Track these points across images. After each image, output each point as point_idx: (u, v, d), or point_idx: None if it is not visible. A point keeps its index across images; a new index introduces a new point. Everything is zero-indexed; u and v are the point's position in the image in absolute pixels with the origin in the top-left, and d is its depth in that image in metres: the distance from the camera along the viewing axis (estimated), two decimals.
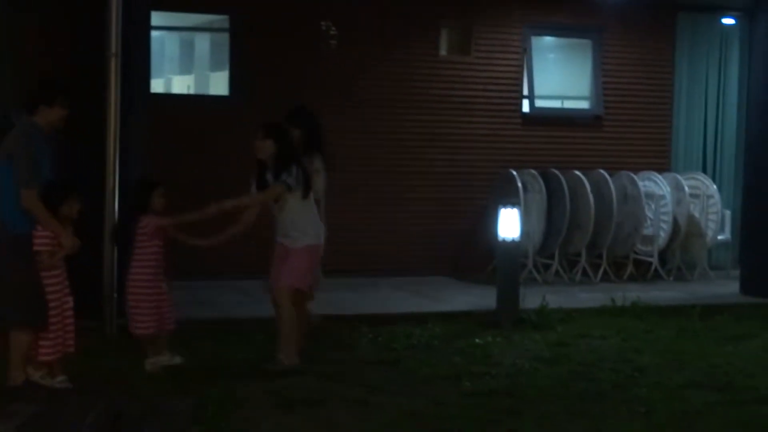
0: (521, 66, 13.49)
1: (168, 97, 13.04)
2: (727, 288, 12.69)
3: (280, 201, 8.13)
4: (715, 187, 13.62)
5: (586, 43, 13.97)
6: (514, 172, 12.55)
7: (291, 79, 11.88)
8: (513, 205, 10.55)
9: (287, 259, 8.25)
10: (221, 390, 7.53)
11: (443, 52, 13.02)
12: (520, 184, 12.37)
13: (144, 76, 10.23)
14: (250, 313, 9.60)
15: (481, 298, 10.85)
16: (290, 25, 12.13)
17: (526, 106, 13.63)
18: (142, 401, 7.09)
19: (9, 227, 6.96)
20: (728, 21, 14.41)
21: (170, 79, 14.12)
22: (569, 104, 14.10)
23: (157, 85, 12.30)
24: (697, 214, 13.40)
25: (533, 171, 12.78)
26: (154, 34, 11.40)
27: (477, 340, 9.53)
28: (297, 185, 8.12)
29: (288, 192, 8.08)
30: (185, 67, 14.44)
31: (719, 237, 13.66)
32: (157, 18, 11.17)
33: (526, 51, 13.51)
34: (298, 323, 8.33)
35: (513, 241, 10.37)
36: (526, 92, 13.58)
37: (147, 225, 7.84)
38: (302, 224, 8.24)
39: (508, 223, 10.36)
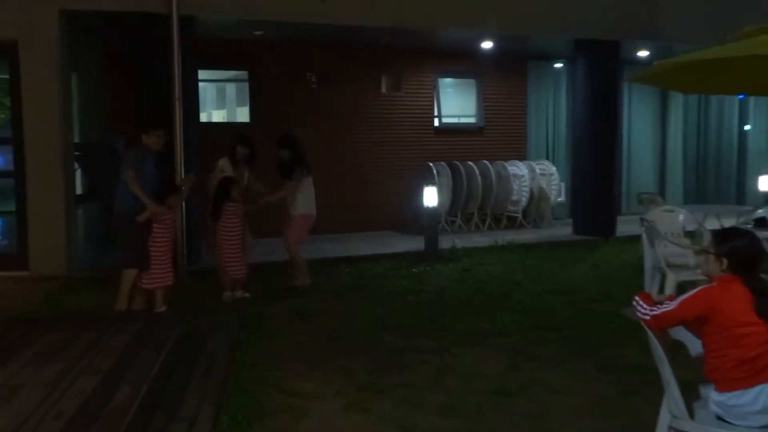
0: (433, 97, 13.50)
1: (210, 124, 12.91)
2: (564, 231, 12.85)
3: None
4: (554, 168, 13.77)
5: (472, 82, 14.00)
6: (431, 164, 12.60)
7: (288, 109, 11.83)
8: (431, 184, 10.64)
9: (292, 222, 8.28)
10: (258, 308, 7.57)
11: (384, 89, 12.97)
12: (435, 171, 12.45)
13: (195, 111, 10.16)
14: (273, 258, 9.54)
15: (414, 243, 10.94)
16: (287, 75, 12.07)
17: (436, 123, 13.63)
18: (207, 318, 7.12)
19: (124, 203, 7.10)
20: (558, 65, 14.50)
21: (211, 113, 13.96)
22: (463, 120, 14.11)
23: (203, 117, 12.15)
24: (544, 186, 13.52)
25: (443, 163, 12.84)
26: (201, 84, 11.29)
27: (414, 270, 9.62)
28: (303, 177, 8.19)
29: (299, 182, 8.15)
30: (220, 104, 14.27)
31: (558, 199, 13.83)
32: (201, 74, 11.04)
33: (435, 88, 13.51)
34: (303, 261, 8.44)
35: (432, 207, 10.47)
36: (436, 113, 13.58)
37: (235, 208, 7.80)
38: (302, 201, 8.27)
39: (429, 196, 10.46)
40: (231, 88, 13.62)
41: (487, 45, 12.47)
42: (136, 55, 10.01)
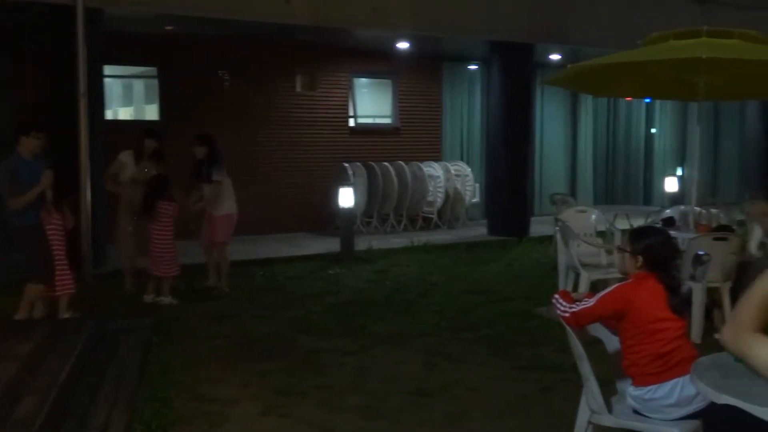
0: (348, 97, 13.50)
1: (117, 122, 12.55)
2: (479, 231, 13.01)
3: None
4: (469, 169, 13.93)
5: (388, 82, 14.06)
6: (347, 164, 12.60)
7: (200, 107, 11.59)
8: (347, 185, 10.65)
9: (216, 224, 8.18)
10: (171, 312, 7.42)
11: (298, 88, 12.89)
12: (350, 172, 12.44)
13: (100, 108, 9.85)
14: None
15: (330, 245, 10.90)
16: (198, 72, 11.84)
17: (352, 123, 13.63)
18: (118, 323, 6.91)
19: (13, 222, 6.48)
20: (473, 67, 14.72)
21: (117, 110, 13.55)
22: (379, 121, 14.16)
23: (109, 114, 11.78)
24: (459, 187, 13.67)
25: (358, 163, 12.84)
26: (107, 80, 10.97)
27: (330, 272, 9.61)
28: (224, 177, 8.11)
29: (222, 183, 8.08)
30: (128, 101, 13.88)
31: (473, 200, 13.99)
32: (108, 69, 10.73)
33: (351, 87, 13.52)
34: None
35: (348, 208, 10.49)
36: (352, 113, 13.58)
37: (172, 208, 7.63)
38: (225, 201, 8.21)
39: (345, 197, 10.48)
40: (139, 85, 13.26)
41: (402, 45, 12.56)
42: (39, 49, 9.65)
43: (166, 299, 7.72)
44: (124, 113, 13.85)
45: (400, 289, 8.66)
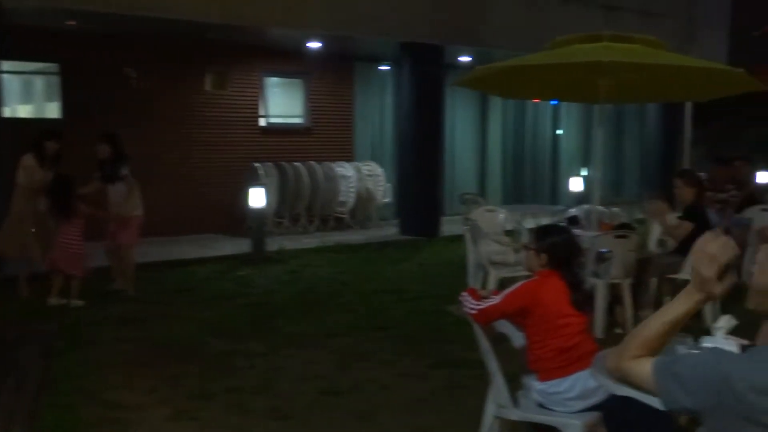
0: (259, 96, 13.38)
1: (15, 120, 12.08)
2: (391, 231, 13.08)
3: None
4: (381, 169, 13.95)
5: (299, 82, 13.98)
6: (258, 164, 12.48)
7: (105, 106, 11.27)
8: (258, 185, 10.56)
9: (125, 225, 8.00)
10: (76, 315, 7.22)
11: (208, 87, 12.68)
12: (262, 172, 12.33)
13: None
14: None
15: (241, 245, 10.76)
16: (102, 69, 11.49)
17: (263, 122, 13.52)
18: (18, 328, 6.68)
19: None
20: (385, 67, 14.82)
21: (16, 108, 13.03)
22: (290, 120, 14.06)
23: (6, 112, 11.31)
24: (371, 187, 13.69)
25: (270, 163, 12.72)
26: (5, 76, 10.55)
27: (241, 273, 9.51)
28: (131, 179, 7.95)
29: (133, 185, 7.93)
30: (27, 98, 13.37)
31: (385, 200, 14.03)
32: (5, 65, 10.33)
33: (262, 87, 13.41)
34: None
35: (259, 209, 10.40)
36: (263, 113, 13.47)
37: (82, 210, 7.48)
38: (134, 202, 8.04)
39: (256, 197, 10.38)
40: (40, 82, 12.79)
41: (314, 45, 12.53)
42: None
43: (78, 302, 7.52)
44: (24, 111, 13.34)
45: (311, 289, 8.64)
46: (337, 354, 6.08)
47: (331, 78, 14.23)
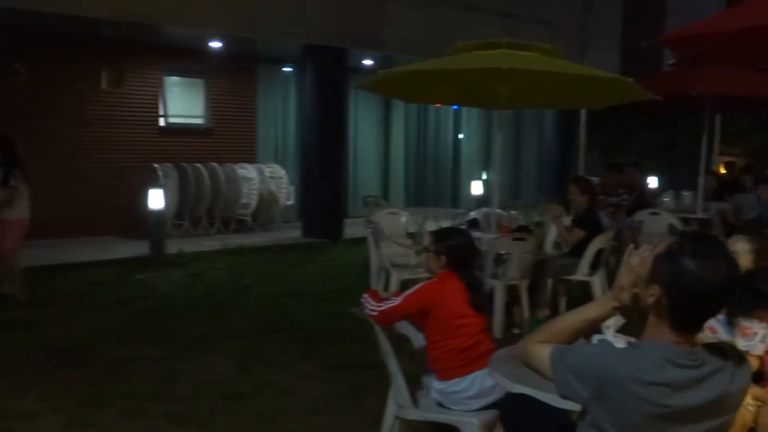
0: (158, 95, 13.10)
1: None
2: (294, 233, 13.02)
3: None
4: (284, 171, 13.90)
5: (200, 82, 13.76)
6: (157, 165, 12.21)
7: None
8: (156, 186, 10.34)
9: (7, 229, 7.67)
10: None
11: (104, 85, 12.29)
12: (161, 173, 12.07)
13: None
14: None
15: (139, 248, 10.48)
16: None
17: (162, 122, 13.23)
18: None
19: None
20: (288, 69, 14.75)
21: None
22: (191, 121, 13.82)
23: None
24: (273, 189, 13.62)
25: (169, 164, 12.46)
26: None
27: (138, 276, 9.27)
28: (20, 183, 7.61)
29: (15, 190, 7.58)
30: None
31: (288, 202, 13.98)
32: None
33: (161, 86, 13.13)
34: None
35: (158, 210, 10.19)
36: (162, 113, 13.19)
37: None
38: (19, 205, 7.71)
39: (154, 199, 10.17)
40: None
41: (215, 45, 12.36)
42: None
43: None
44: None
45: (212, 292, 8.52)
46: (238, 357, 6.02)
47: (233, 78, 14.08)
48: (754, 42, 5.73)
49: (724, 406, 2.21)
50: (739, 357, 2.30)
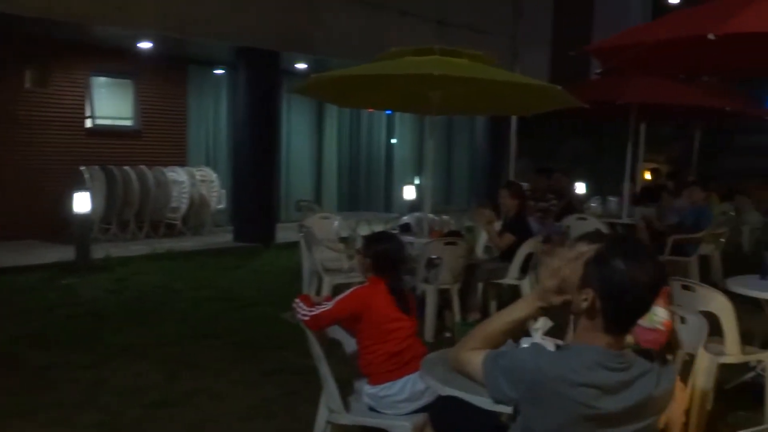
0: (85, 96, 12.80)
1: None
2: (225, 238, 12.87)
3: None
4: (215, 175, 13.74)
5: (129, 83, 13.50)
6: (83, 168, 11.93)
7: None
8: (83, 189, 10.11)
9: None
10: None
11: (27, 84, 11.95)
12: (87, 176, 11.79)
13: None
14: None
15: (64, 253, 10.18)
16: None
17: (89, 124, 12.93)
18: None
19: None
20: (219, 71, 14.60)
21: None
22: (119, 122, 13.54)
23: None
24: (204, 193, 13.43)
25: (96, 167, 12.18)
26: None
27: (63, 281, 9.06)
28: None
29: None
30: None
31: (219, 206, 13.82)
32: None
33: (88, 86, 12.84)
34: None
35: (84, 214, 9.93)
36: (89, 114, 12.89)
37: None
38: None
39: (80, 202, 9.91)
40: None
41: (146, 45, 12.15)
42: None
43: None
44: None
45: (140, 298, 8.36)
46: (167, 364, 5.92)
47: (164, 80, 13.86)
48: (676, 53, 5.92)
49: (649, 408, 2.28)
50: (663, 360, 2.38)
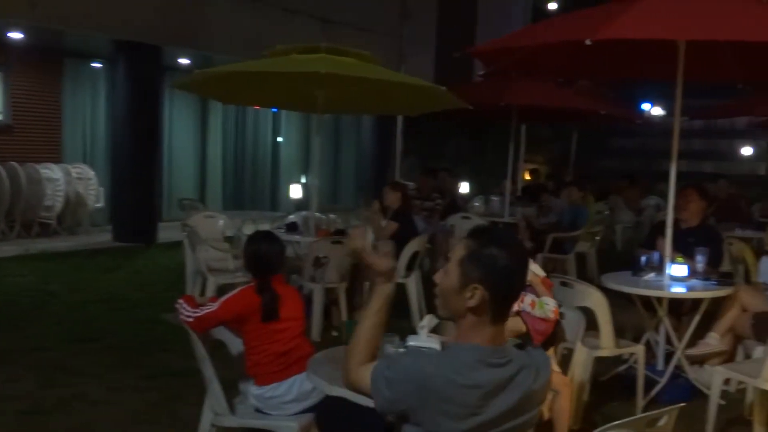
0: None
1: None
2: (104, 237, 12.46)
3: None
4: (93, 172, 13.23)
5: None
6: None
7: None
8: None
9: None
10: None
11: None
12: None
13: None
14: None
15: None
16: None
17: None
18: None
19: None
20: (97, 65, 14.10)
21: None
22: None
23: None
24: (81, 191, 12.93)
25: None
26: None
27: None
28: None
29: None
30: None
31: (97, 205, 13.35)
32: None
33: None
34: None
35: None
36: None
37: None
38: None
39: None
40: None
41: (17, 35, 11.57)
42: None
43: None
44: None
45: (11, 301, 7.96)
46: (40, 370, 5.66)
47: (37, 72, 13.29)
48: (554, 57, 6.13)
49: (529, 403, 2.35)
50: (542, 350, 2.46)
